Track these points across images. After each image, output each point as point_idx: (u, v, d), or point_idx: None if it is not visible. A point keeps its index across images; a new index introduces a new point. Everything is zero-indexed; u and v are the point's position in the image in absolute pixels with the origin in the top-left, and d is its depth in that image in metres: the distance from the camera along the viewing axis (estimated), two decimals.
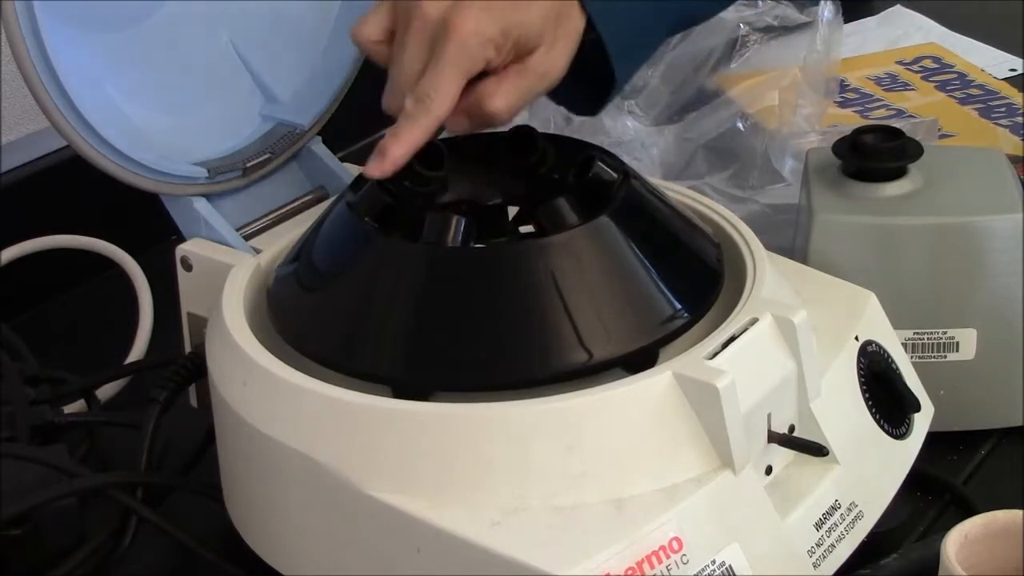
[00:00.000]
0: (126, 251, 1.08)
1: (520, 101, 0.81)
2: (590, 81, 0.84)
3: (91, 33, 0.86)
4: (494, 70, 0.80)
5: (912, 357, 0.87)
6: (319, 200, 0.92)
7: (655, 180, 0.85)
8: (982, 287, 0.89)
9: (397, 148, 0.78)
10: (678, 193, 0.87)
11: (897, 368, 0.83)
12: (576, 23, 0.81)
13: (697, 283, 0.78)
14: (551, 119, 1.15)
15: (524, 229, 0.81)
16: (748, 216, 0.95)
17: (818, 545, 0.75)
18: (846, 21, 1.20)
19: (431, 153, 0.81)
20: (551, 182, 0.81)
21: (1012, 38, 1.41)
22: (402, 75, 0.79)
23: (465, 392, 0.73)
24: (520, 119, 0.84)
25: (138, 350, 1.03)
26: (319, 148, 0.93)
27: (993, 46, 1.41)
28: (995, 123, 1.27)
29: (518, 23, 0.78)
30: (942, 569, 0.71)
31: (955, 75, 1.36)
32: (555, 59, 0.81)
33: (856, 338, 0.81)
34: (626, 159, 0.82)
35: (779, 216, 1.06)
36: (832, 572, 0.76)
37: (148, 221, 0.93)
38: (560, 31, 0.80)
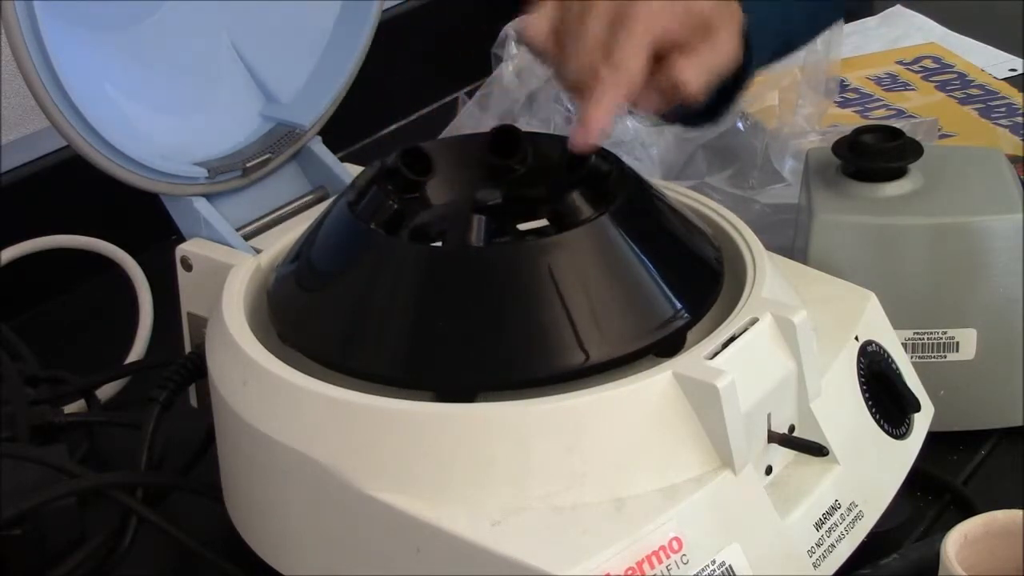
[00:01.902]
0: (126, 251, 1.08)
1: (711, 76, 0.81)
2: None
3: (91, 33, 0.86)
4: (681, 48, 0.80)
5: (912, 357, 0.87)
6: (319, 200, 0.92)
7: (655, 180, 0.85)
8: (982, 287, 0.89)
9: (600, 113, 0.78)
10: (678, 193, 0.87)
11: (897, 368, 0.83)
12: (739, 12, 0.82)
13: (698, 282, 0.78)
14: (551, 119, 1.15)
15: (521, 228, 0.81)
16: (748, 216, 0.95)
17: (818, 545, 0.75)
18: (846, 21, 1.20)
19: (419, 158, 0.81)
20: (548, 179, 0.81)
21: (1012, 38, 1.41)
22: (586, 52, 0.79)
23: (469, 392, 0.73)
24: (523, 120, 0.84)
25: (138, 350, 1.03)
26: (319, 148, 0.93)
27: (993, 46, 1.41)
28: (995, 123, 1.27)
29: None
30: (942, 569, 0.71)
31: (955, 75, 1.36)
32: (733, 40, 0.81)
33: (856, 338, 0.81)
34: (626, 159, 0.82)
35: (779, 216, 1.06)
36: (832, 572, 0.76)
37: (148, 221, 0.93)
38: (731, 16, 0.82)
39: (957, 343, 0.90)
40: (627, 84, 0.78)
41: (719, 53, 0.81)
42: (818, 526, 0.76)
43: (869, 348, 0.82)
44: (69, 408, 0.96)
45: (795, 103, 1.16)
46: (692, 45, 0.80)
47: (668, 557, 0.68)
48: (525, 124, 1.14)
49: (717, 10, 0.81)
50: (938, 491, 0.88)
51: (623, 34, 0.79)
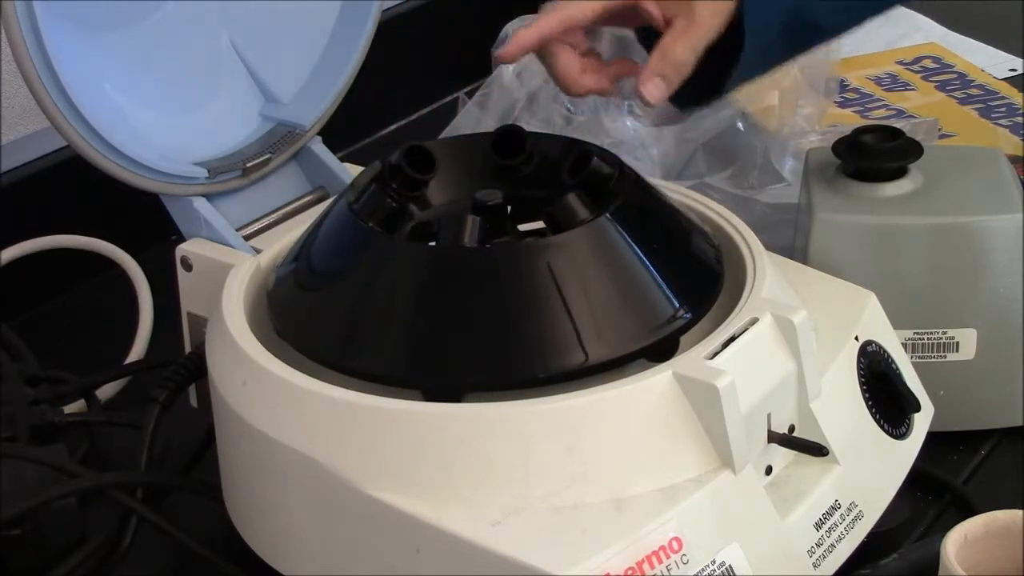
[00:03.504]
0: (126, 251, 1.08)
1: (699, 48, 0.84)
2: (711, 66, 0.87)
3: (91, 33, 0.86)
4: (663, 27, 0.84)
5: (912, 357, 0.87)
6: (319, 200, 0.92)
7: (655, 180, 0.85)
8: (982, 287, 0.89)
9: (526, 32, 0.84)
10: (678, 193, 0.87)
11: (897, 368, 0.83)
12: None
13: (698, 282, 0.78)
14: (551, 119, 1.15)
15: (522, 229, 0.81)
16: (748, 216, 0.95)
17: (818, 545, 0.75)
18: None
19: (422, 157, 0.81)
20: (551, 180, 0.81)
21: (1012, 38, 1.41)
22: None
23: (469, 392, 0.73)
24: (523, 120, 0.84)
25: (138, 350, 1.03)
26: (319, 148, 0.93)
27: (993, 46, 1.41)
28: (995, 123, 1.27)
29: None
30: (942, 569, 0.71)
31: (955, 75, 1.36)
32: (716, 14, 0.84)
33: (856, 338, 0.81)
34: (626, 159, 0.82)
35: (779, 216, 1.06)
36: (832, 572, 0.76)
37: (148, 221, 0.93)
38: None
39: (957, 343, 0.90)
40: (563, 15, 0.83)
41: (700, 27, 0.83)
42: (818, 526, 0.76)
43: (869, 348, 0.82)
44: (69, 408, 0.96)
45: (795, 103, 1.16)
46: (672, 23, 0.83)
47: (668, 557, 0.68)
48: (525, 124, 1.14)
49: None
50: (938, 491, 0.88)
51: None
